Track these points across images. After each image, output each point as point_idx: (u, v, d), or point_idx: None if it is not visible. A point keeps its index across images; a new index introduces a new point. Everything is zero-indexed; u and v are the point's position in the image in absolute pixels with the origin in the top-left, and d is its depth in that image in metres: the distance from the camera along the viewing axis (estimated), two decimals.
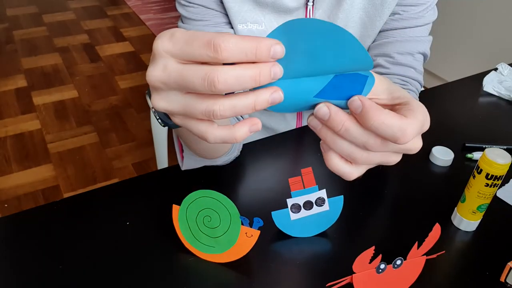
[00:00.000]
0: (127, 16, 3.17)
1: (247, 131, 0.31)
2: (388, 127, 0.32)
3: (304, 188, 0.53)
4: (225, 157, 0.63)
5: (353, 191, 0.63)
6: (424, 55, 0.73)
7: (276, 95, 0.30)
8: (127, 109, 2.14)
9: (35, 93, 2.22)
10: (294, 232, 0.56)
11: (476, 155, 0.71)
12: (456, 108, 0.87)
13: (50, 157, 1.82)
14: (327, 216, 0.55)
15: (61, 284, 0.49)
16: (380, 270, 0.45)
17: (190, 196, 0.49)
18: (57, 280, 0.50)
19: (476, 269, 0.54)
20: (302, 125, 0.82)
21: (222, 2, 0.66)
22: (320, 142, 0.36)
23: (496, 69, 0.97)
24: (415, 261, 0.47)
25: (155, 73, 0.31)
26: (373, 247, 0.42)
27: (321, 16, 0.69)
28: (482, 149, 0.72)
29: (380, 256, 0.44)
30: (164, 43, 0.30)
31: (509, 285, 0.51)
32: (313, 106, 0.34)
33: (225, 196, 0.48)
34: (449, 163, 0.70)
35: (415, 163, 0.70)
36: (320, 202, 0.54)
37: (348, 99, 0.33)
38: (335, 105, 0.34)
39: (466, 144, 0.73)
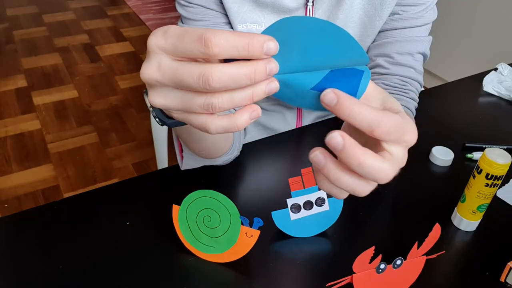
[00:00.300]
0: (127, 16, 3.17)
1: (248, 118, 0.31)
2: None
3: (304, 188, 0.53)
4: (224, 157, 0.63)
5: None
6: (424, 55, 0.73)
7: (272, 85, 0.30)
8: (127, 109, 2.14)
9: (35, 93, 2.22)
10: (294, 232, 0.56)
11: (476, 155, 0.71)
12: (456, 108, 0.87)
13: (50, 157, 1.82)
14: (327, 216, 0.55)
15: (61, 284, 0.49)
16: (380, 270, 0.45)
17: (190, 196, 0.49)
18: (57, 280, 0.50)
19: (476, 269, 0.54)
20: (302, 125, 0.82)
21: (221, 2, 0.66)
22: (311, 156, 0.33)
23: (496, 69, 0.97)
24: (415, 261, 0.47)
25: (149, 70, 0.31)
26: (373, 247, 0.42)
27: (321, 16, 0.69)
28: (482, 149, 0.72)
29: (380, 256, 0.44)
30: (157, 39, 0.30)
31: (509, 285, 0.51)
32: (310, 101, 0.34)
33: (225, 196, 0.48)
34: (449, 163, 0.70)
35: (415, 163, 0.70)
36: (320, 202, 0.54)
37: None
38: None
39: (466, 144, 0.73)
